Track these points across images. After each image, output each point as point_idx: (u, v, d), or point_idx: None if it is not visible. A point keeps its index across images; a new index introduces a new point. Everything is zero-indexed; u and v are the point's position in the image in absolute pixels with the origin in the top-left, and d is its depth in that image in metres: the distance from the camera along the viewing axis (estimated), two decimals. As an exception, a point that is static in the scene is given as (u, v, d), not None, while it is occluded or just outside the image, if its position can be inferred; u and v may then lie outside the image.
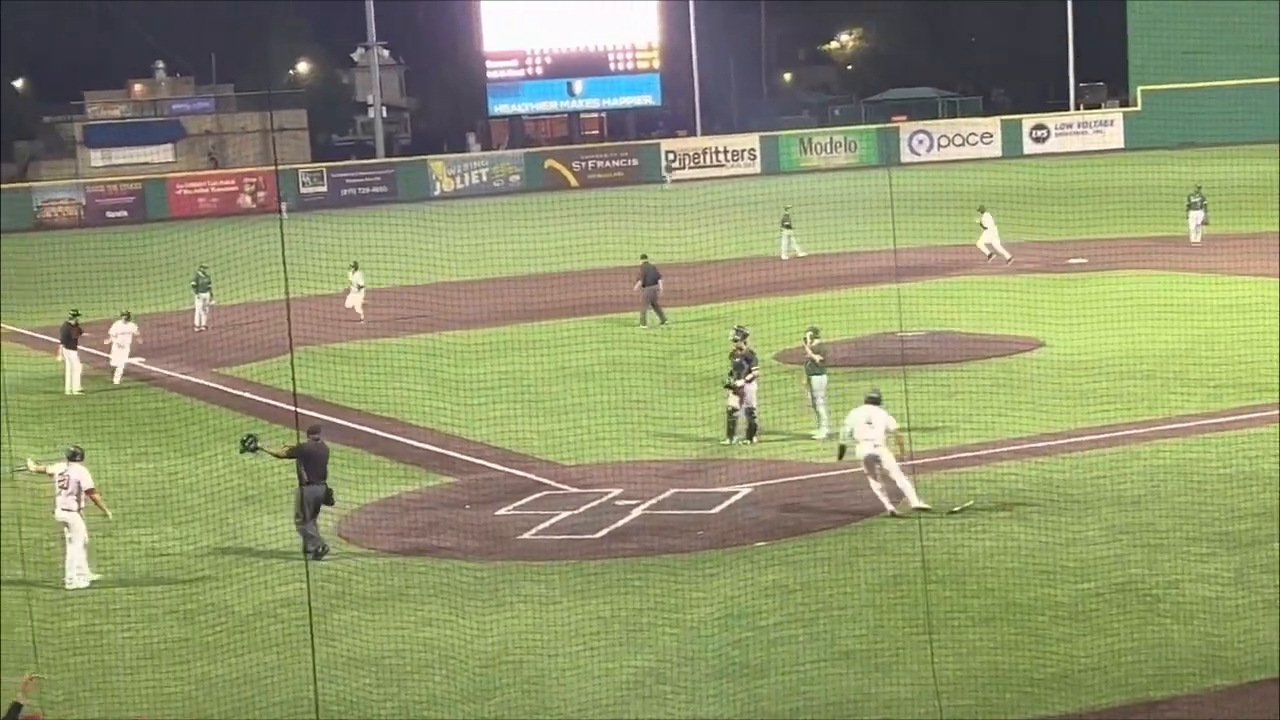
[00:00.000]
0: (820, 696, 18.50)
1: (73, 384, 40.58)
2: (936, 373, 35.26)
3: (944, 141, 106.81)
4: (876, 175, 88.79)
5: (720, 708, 18.42)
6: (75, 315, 41.18)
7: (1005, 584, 21.74)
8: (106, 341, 41.71)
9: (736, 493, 27.29)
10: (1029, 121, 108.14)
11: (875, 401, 25.69)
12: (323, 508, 25.14)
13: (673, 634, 20.74)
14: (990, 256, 52.44)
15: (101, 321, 43.07)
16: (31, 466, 25.72)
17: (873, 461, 25.40)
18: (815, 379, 30.99)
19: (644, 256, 46.55)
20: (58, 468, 24.82)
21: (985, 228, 53.09)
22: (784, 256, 57.48)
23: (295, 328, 37.70)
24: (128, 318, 41.85)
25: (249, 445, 25.82)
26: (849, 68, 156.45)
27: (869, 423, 25.46)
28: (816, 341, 31.11)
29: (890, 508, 25.18)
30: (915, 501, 25.03)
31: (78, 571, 24.28)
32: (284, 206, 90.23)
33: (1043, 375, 35.03)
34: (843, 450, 26.02)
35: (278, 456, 25.91)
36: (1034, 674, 18.67)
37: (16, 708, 13.39)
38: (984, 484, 26.59)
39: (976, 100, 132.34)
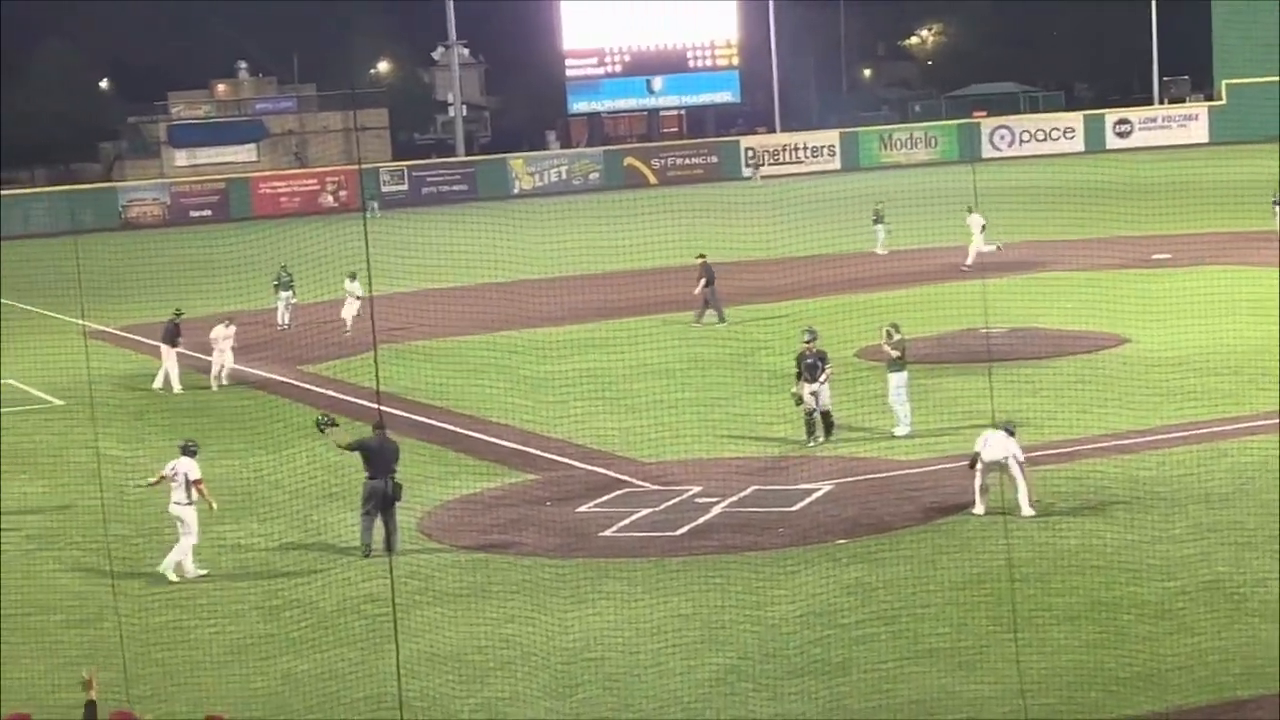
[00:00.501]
0: (903, 695, 18.43)
1: (160, 381, 40.85)
2: (1020, 369, 35.04)
3: (1026, 137, 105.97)
4: (958, 171, 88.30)
5: (802, 705, 18.37)
6: (178, 313, 41.46)
7: (1090, 582, 21.58)
8: (216, 352, 41.24)
9: (817, 490, 27.22)
10: (1112, 116, 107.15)
11: (1010, 432, 25.36)
12: (396, 504, 25.16)
13: (754, 631, 20.71)
14: (986, 249, 52.07)
15: (198, 320, 43.33)
16: (150, 480, 25.86)
17: (994, 466, 25.12)
18: (894, 375, 30.81)
19: (701, 255, 46.36)
20: (170, 465, 25.08)
21: (974, 230, 52.66)
22: (880, 251, 57.27)
23: (377, 325, 37.92)
24: (230, 321, 41.53)
25: (324, 423, 26.18)
26: (929, 63, 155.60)
27: (1004, 442, 25.21)
28: (897, 337, 30.94)
29: (979, 511, 25.00)
30: (1026, 510, 24.81)
31: (174, 565, 24.54)
32: (374, 205, 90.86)
33: (1128, 372, 34.72)
34: (975, 459, 25.52)
35: (340, 447, 26.16)
36: (1119, 673, 18.52)
37: (91, 705, 13.49)
38: (1069, 481, 26.40)
39: (1059, 95, 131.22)
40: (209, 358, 42.00)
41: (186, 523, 24.69)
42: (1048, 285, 46.57)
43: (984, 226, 52.39)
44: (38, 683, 19.82)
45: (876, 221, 58.30)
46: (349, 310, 47.68)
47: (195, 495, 24.79)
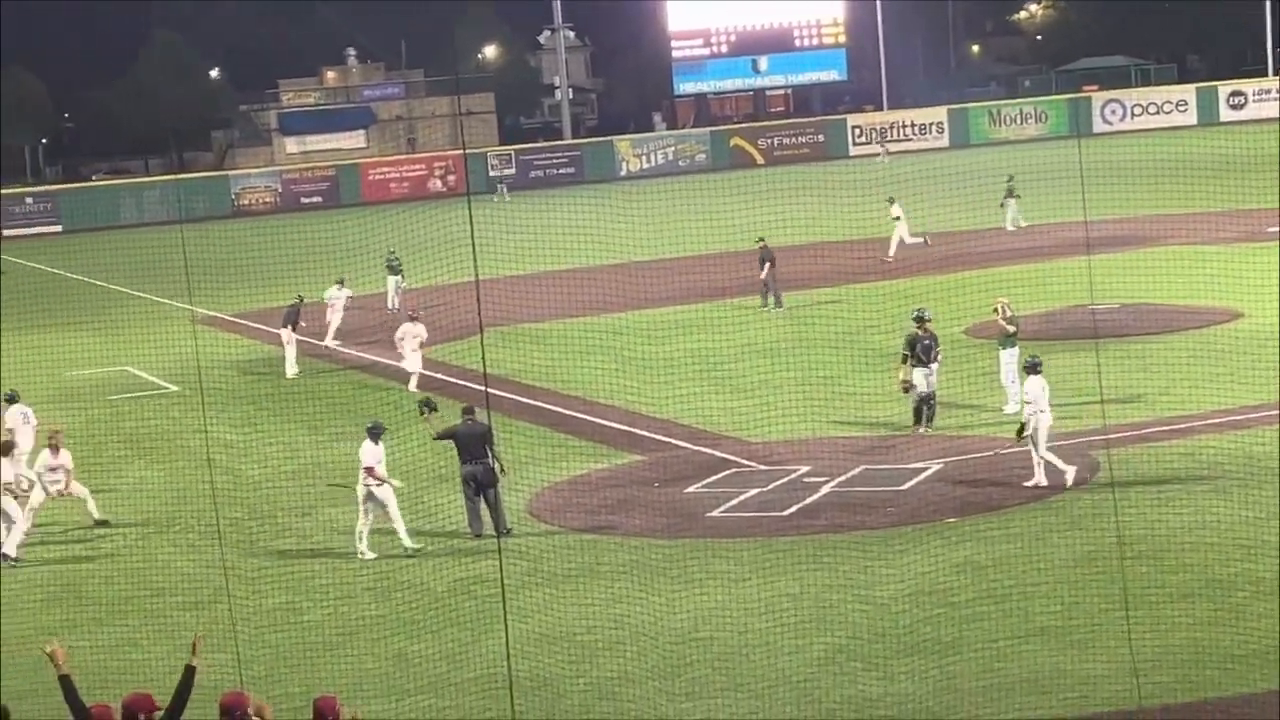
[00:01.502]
0: (1014, 673, 18.31)
1: (290, 367, 41.13)
2: (1131, 345, 34.69)
3: (1137, 110, 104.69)
4: (1067, 146, 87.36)
5: (912, 684, 18.29)
6: (300, 299, 41.72)
7: (1204, 559, 21.33)
8: (409, 352, 38.14)
9: (926, 469, 27.07)
10: (1225, 88, 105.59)
11: (1039, 368, 25.93)
12: (497, 486, 25.20)
13: (863, 610, 20.64)
14: (911, 241, 51.54)
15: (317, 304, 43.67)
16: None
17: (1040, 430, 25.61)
18: (1005, 352, 30.54)
19: (760, 240, 46.11)
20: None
21: (898, 219, 52.18)
22: (1009, 227, 56.93)
23: (485, 308, 37.84)
24: (415, 318, 38.45)
25: (427, 408, 26.13)
26: (1038, 37, 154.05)
27: (1043, 390, 25.71)
28: (1010, 313, 30.70)
29: (1071, 480, 25.13)
30: (1042, 479, 25.51)
31: (405, 533, 24.74)
32: (502, 188, 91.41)
33: (1241, 346, 34.22)
34: (1023, 428, 25.75)
35: (434, 440, 26.15)
36: (1234, 650, 18.29)
37: (190, 670, 13.58)
38: (1182, 457, 26.11)
39: (1171, 68, 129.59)
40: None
41: (379, 499, 24.70)
42: (1160, 260, 45.96)
43: (900, 217, 52.03)
44: (155, 665, 20.10)
45: (1009, 196, 58.01)
46: (335, 318, 44.02)
47: (371, 478, 24.76)
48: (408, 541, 24.77)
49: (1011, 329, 30.52)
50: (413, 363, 37.70)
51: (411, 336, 37.85)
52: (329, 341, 43.52)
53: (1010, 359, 30.46)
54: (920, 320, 30.43)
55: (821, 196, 63.08)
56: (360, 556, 24.66)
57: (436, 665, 19.99)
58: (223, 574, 22.75)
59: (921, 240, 51.83)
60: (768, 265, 45.40)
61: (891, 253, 51.64)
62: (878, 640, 19.67)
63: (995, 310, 31.05)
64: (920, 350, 29.89)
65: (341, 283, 44.47)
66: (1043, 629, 19.55)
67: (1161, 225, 52.72)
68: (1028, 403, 25.85)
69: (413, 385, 36.76)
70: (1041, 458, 25.56)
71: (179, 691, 13.47)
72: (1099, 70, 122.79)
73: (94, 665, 19.13)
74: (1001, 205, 58.03)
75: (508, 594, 20.94)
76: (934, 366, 29.89)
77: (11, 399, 31.19)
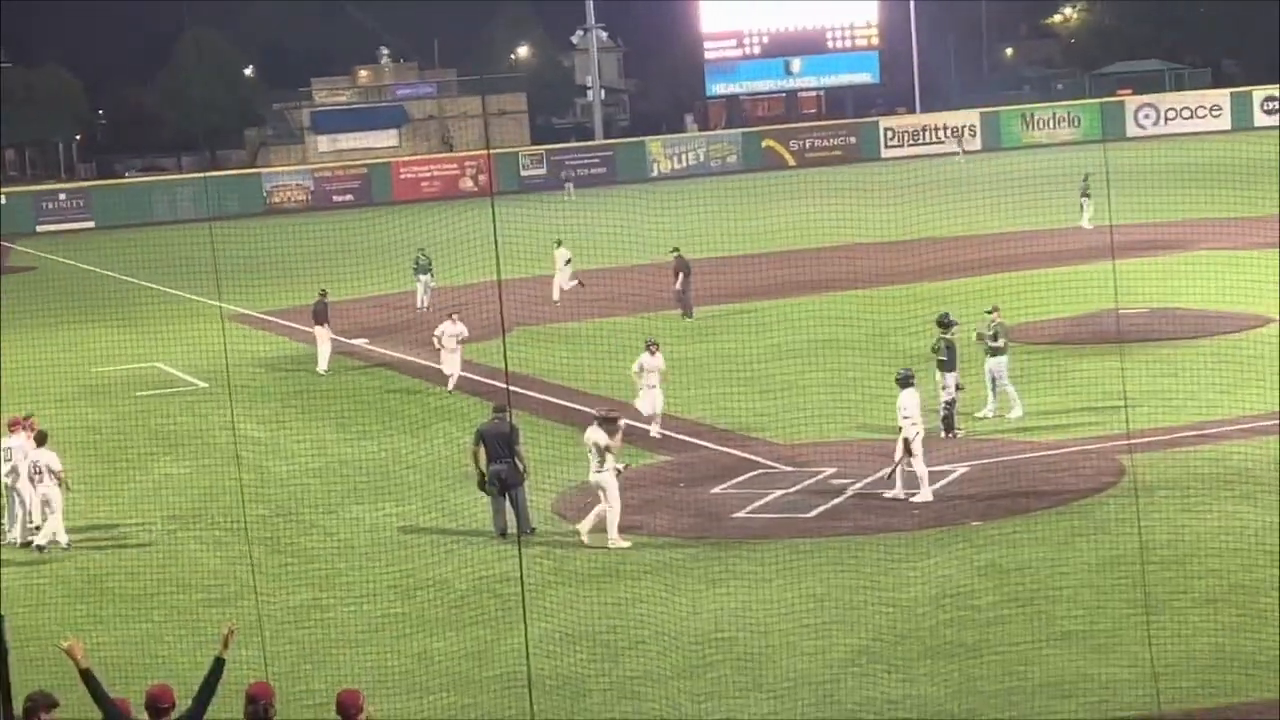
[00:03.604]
0: (1036, 677, 18.28)
1: (321, 363, 41.13)
2: (1160, 350, 34.56)
3: (1171, 115, 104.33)
4: (1100, 150, 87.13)
5: (934, 687, 18.28)
6: (323, 293, 41.69)
7: (1229, 565, 21.25)
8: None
9: (952, 472, 27.03)
10: (1260, 93, 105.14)
11: (911, 382, 26.27)
12: (522, 486, 25.13)
13: (886, 613, 20.63)
14: (568, 286, 50.56)
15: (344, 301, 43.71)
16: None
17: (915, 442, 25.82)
18: (991, 360, 30.43)
19: (675, 250, 46.09)
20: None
21: (569, 261, 51.26)
22: (1087, 226, 56.81)
23: (514, 308, 37.94)
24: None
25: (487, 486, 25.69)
26: (1072, 41, 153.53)
27: (917, 404, 26.12)
28: (995, 320, 30.51)
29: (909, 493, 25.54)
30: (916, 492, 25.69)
31: (617, 534, 24.46)
32: (569, 186, 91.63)
33: (1270, 352, 33.96)
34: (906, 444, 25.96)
35: (473, 452, 25.87)
36: (1257, 656, 18.22)
37: (219, 663, 13.60)
38: (1208, 463, 26.01)
39: (1205, 72, 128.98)
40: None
41: (606, 490, 24.50)
42: (1191, 265, 45.76)
43: (569, 260, 51.27)
44: (179, 660, 20.21)
45: (1084, 195, 58.06)
46: (451, 364, 37.58)
47: (610, 462, 24.51)
48: (617, 539, 24.36)
49: (995, 343, 30.36)
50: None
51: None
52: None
53: (996, 366, 30.38)
54: (945, 324, 30.29)
55: (856, 198, 62.98)
56: (581, 541, 24.38)
57: (458, 663, 20.03)
58: (248, 570, 22.82)
59: (577, 283, 50.68)
60: (681, 276, 45.44)
61: (556, 296, 50.87)
62: (900, 643, 19.67)
63: (984, 319, 31.04)
64: (947, 354, 29.71)
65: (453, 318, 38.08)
66: (1065, 633, 19.52)
67: (1194, 230, 52.54)
68: (905, 417, 25.78)
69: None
70: (903, 468, 25.70)
71: (207, 681, 13.48)
72: (1133, 74, 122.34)
73: (118, 659, 19.21)
74: (1080, 206, 58.04)
75: (531, 593, 20.97)
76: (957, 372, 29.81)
77: None
